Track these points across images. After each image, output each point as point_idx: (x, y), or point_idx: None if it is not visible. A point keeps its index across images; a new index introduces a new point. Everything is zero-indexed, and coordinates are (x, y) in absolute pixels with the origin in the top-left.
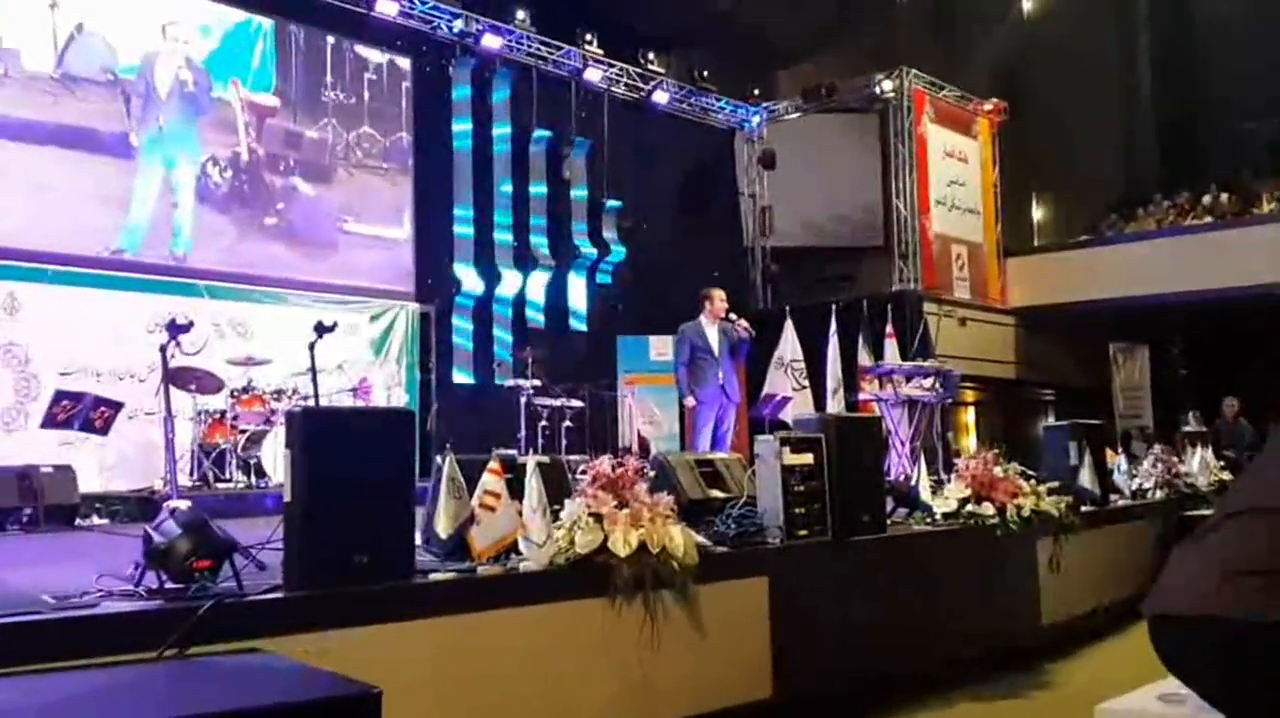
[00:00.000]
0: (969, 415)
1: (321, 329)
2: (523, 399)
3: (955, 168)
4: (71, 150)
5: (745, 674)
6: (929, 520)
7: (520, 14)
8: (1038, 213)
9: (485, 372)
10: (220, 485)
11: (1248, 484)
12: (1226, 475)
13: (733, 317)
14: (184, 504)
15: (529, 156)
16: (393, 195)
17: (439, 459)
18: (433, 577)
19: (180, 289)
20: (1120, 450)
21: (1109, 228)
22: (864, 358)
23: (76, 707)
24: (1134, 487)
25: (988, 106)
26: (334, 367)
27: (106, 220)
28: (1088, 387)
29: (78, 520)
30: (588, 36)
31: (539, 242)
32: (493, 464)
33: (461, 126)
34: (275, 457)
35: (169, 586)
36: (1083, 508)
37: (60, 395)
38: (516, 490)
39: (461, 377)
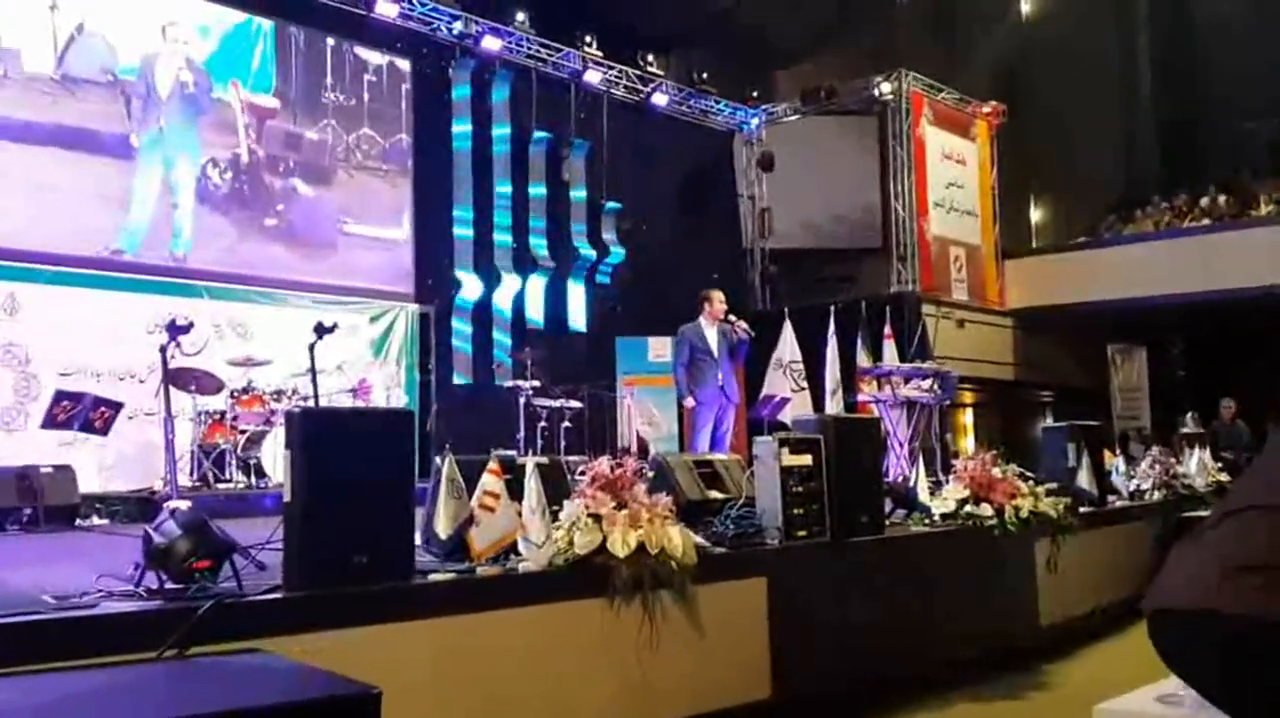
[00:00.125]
0: (967, 417)
1: (321, 330)
2: (522, 400)
3: (953, 170)
4: (71, 151)
5: (744, 675)
6: (927, 521)
7: (520, 16)
8: (1036, 214)
9: (484, 373)
10: (220, 486)
11: (1248, 483)
12: (1224, 477)
13: (732, 318)
14: (184, 505)
15: (528, 158)
16: (392, 197)
17: (438, 460)
18: (432, 577)
19: (180, 290)
20: (1118, 452)
21: (1107, 229)
22: (862, 359)
23: (76, 707)
24: (1132, 488)
25: (986, 109)
26: (334, 367)
27: (106, 221)
28: (1086, 388)
29: (78, 521)
30: (587, 38)
31: (538, 243)
32: (492, 465)
33: (461, 128)
34: (275, 457)
35: (169, 586)
36: (1081, 509)
37: (60, 396)
38: (516, 491)
39: (461, 378)
